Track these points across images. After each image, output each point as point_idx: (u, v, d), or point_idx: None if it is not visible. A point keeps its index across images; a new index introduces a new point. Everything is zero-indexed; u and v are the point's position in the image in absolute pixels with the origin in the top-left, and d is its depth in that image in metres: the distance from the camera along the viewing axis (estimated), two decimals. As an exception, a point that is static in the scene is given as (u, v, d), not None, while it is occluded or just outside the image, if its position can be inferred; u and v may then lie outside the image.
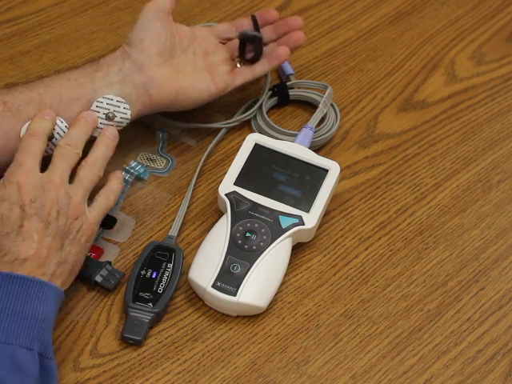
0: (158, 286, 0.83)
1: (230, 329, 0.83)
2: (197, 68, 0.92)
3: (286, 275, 0.86)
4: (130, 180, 0.92)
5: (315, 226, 0.86)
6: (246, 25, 0.97)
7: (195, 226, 0.90)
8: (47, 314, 0.75)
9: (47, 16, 1.06)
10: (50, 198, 0.79)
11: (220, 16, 1.08)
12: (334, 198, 0.92)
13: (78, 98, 0.86)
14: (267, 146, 0.91)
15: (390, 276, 0.88)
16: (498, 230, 0.92)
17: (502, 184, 0.96)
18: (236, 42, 0.96)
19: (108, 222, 0.89)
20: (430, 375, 0.82)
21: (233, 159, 0.90)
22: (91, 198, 0.83)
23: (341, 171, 0.89)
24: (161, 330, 0.83)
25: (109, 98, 0.87)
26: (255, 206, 0.86)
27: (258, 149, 0.91)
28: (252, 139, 0.91)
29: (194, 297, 0.85)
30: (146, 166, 0.94)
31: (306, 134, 0.94)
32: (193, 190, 0.92)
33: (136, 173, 0.93)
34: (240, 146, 0.91)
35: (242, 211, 0.86)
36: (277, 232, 0.85)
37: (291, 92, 1.00)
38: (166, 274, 0.84)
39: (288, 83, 1.01)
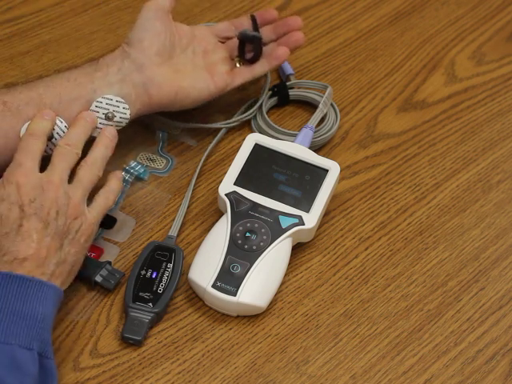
0: (158, 286, 0.83)
1: (230, 329, 0.83)
2: (196, 67, 0.92)
3: (286, 275, 0.86)
4: (130, 180, 0.92)
5: (315, 226, 0.86)
6: (245, 24, 0.97)
7: (195, 226, 0.90)
8: (46, 313, 0.75)
9: (47, 16, 1.06)
10: (49, 198, 0.79)
11: (220, 16, 1.08)
12: (334, 198, 0.92)
13: (78, 98, 0.86)
14: (267, 146, 0.91)
15: (390, 276, 0.88)
16: (497, 230, 0.92)
17: (501, 184, 0.96)
18: (235, 41, 0.96)
19: (108, 221, 0.89)
20: (430, 375, 0.82)
21: (233, 159, 0.90)
22: (91, 197, 0.83)
23: (341, 171, 0.89)
24: (161, 330, 0.83)
25: (108, 98, 0.87)
26: (255, 205, 0.86)
27: (258, 149, 0.91)
28: (252, 139, 0.91)
29: (194, 297, 0.85)
30: (146, 165, 0.94)
31: (306, 134, 0.94)
32: (193, 190, 0.92)
33: (136, 173, 0.93)
34: (240, 145, 0.91)
35: (241, 211, 0.86)
36: (277, 232, 0.85)
37: (291, 92, 1.00)
38: (166, 273, 0.84)
39: (288, 83, 1.01)
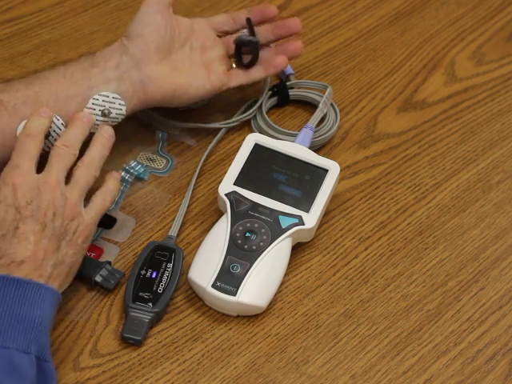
0: (157, 286, 0.83)
1: (230, 329, 0.83)
2: (194, 64, 0.92)
3: (285, 275, 0.86)
4: (130, 180, 0.92)
5: (315, 226, 0.86)
6: (243, 18, 0.95)
7: (195, 226, 0.90)
8: (44, 316, 0.75)
9: (47, 16, 1.06)
10: (46, 200, 0.78)
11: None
12: (334, 198, 0.92)
13: (75, 96, 0.86)
14: (267, 145, 0.91)
15: (389, 276, 0.88)
16: (497, 230, 0.92)
17: (501, 184, 0.96)
18: (233, 37, 0.95)
19: (108, 221, 0.89)
20: (430, 375, 0.82)
21: (233, 159, 0.90)
22: (88, 198, 0.83)
23: (341, 171, 0.89)
24: (160, 330, 0.83)
25: (105, 95, 0.86)
26: (255, 205, 0.86)
27: (257, 149, 0.91)
28: (252, 139, 0.91)
29: (194, 297, 0.85)
30: (146, 165, 0.94)
31: (306, 133, 0.94)
32: (193, 190, 0.92)
33: (136, 173, 0.93)
34: (240, 145, 0.91)
35: (241, 211, 0.86)
36: (277, 232, 0.85)
37: (291, 92, 1.00)
38: (166, 273, 0.84)
39: (288, 83, 1.01)
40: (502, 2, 1.15)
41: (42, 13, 1.07)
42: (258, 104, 0.98)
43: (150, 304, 0.82)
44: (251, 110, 0.98)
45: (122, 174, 0.92)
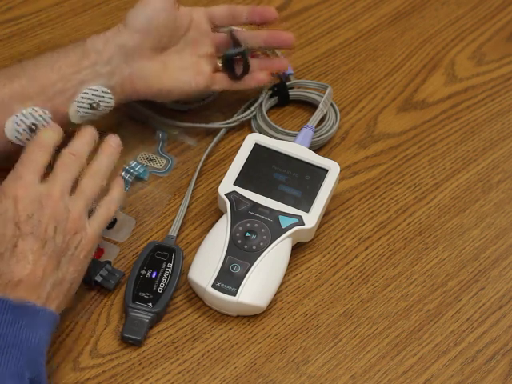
0: (157, 286, 0.83)
1: (230, 329, 0.83)
2: (183, 62, 0.91)
3: (285, 275, 0.86)
4: (130, 180, 0.92)
5: (315, 226, 0.86)
6: (244, 14, 0.95)
7: (195, 226, 0.90)
8: (41, 339, 0.73)
9: (47, 16, 1.06)
10: (48, 214, 0.76)
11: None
12: (334, 197, 0.92)
13: (64, 91, 0.85)
14: (267, 145, 0.91)
15: (389, 276, 0.88)
16: (497, 230, 0.92)
17: (501, 184, 0.96)
18: (223, 35, 0.95)
19: (108, 221, 0.89)
20: (430, 375, 0.82)
21: (233, 159, 0.90)
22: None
23: (341, 171, 0.89)
24: (160, 330, 0.83)
25: (94, 89, 0.86)
26: (255, 205, 0.86)
27: (258, 149, 0.91)
28: (252, 139, 0.91)
29: (194, 297, 0.85)
30: (146, 165, 0.94)
31: (306, 133, 0.94)
32: (193, 190, 0.92)
33: (136, 173, 0.93)
34: (240, 146, 0.91)
35: (241, 211, 0.86)
36: (277, 232, 0.85)
37: (291, 92, 1.00)
38: (166, 273, 0.84)
39: (288, 83, 1.01)
40: (502, 2, 1.15)
41: (42, 13, 1.07)
42: (257, 103, 0.98)
43: (150, 304, 0.82)
44: (251, 109, 0.98)
45: (122, 173, 0.92)
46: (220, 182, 0.88)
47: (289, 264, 0.86)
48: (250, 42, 0.95)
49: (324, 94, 0.98)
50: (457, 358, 0.83)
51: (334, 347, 0.83)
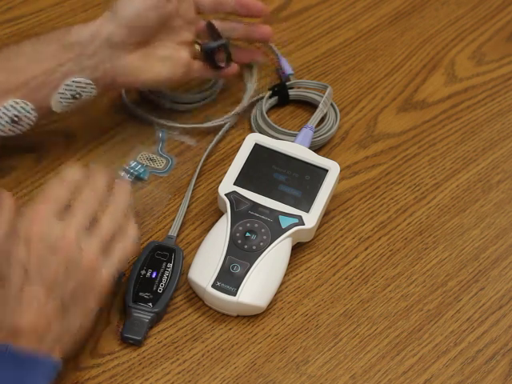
0: (157, 286, 0.83)
1: (230, 329, 0.83)
2: (164, 52, 0.90)
3: (285, 275, 0.86)
4: (130, 180, 0.92)
5: (315, 226, 0.86)
6: (230, 3, 0.94)
7: (195, 226, 0.90)
8: None
9: (47, 16, 1.06)
10: (60, 259, 0.71)
11: (220, 15, 1.08)
12: (334, 197, 0.92)
13: (47, 84, 0.84)
14: (267, 145, 0.91)
15: (389, 276, 0.88)
16: (497, 230, 0.92)
17: (501, 184, 0.96)
18: (203, 24, 0.94)
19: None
20: (430, 375, 0.82)
21: (233, 159, 0.90)
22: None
23: (341, 171, 0.89)
24: (160, 330, 0.83)
25: (77, 81, 0.86)
26: (255, 205, 0.86)
27: (258, 149, 0.91)
28: (252, 139, 0.91)
29: (194, 297, 0.85)
30: (146, 165, 0.94)
31: (306, 133, 0.94)
32: (193, 190, 0.92)
33: (136, 173, 0.93)
34: (240, 145, 0.91)
35: (241, 211, 0.86)
36: (277, 232, 0.85)
37: (291, 92, 1.00)
38: (166, 273, 0.84)
39: (288, 83, 1.01)
40: (502, 2, 1.15)
41: (42, 13, 1.07)
42: (248, 95, 0.98)
43: (150, 304, 0.82)
44: (249, 102, 0.98)
45: (122, 173, 0.92)
46: (220, 182, 0.88)
47: (289, 264, 0.86)
48: (228, 34, 0.95)
49: (324, 94, 0.98)
50: (457, 357, 0.83)
51: (334, 347, 0.83)
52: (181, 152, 0.96)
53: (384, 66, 1.06)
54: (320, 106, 0.97)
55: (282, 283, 0.86)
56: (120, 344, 0.81)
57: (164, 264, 0.85)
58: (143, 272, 0.84)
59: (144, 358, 0.81)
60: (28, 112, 0.84)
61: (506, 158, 0.98)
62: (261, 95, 1.00)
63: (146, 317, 0.81)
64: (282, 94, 1.00)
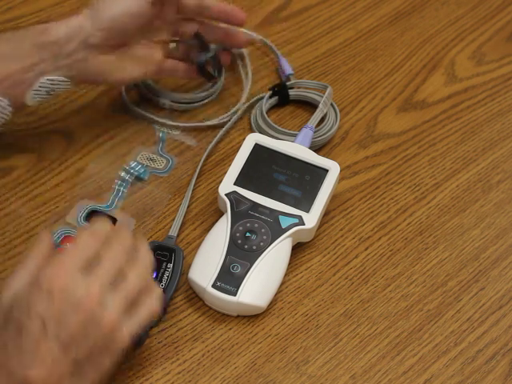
0: (157, 286, 0.83)
1: (230, 329, 0.83)
2: (138, 51, 0.91)
3: (285, 275, 0.86)
4: (130, 180, 0.92)
5: (315, 226, 0.86)
6: (212, 8, 0.94)
7: (195, 226, 0.90)
8: None
9: (47, 16, 1.06)
10: (81, 319, 0.68)
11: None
12: (334, 197, 0.92)
13: (23, 82, 0.84)
14: (267, 145, 0.91)
15: (389, 276, 0.88)
16: (497, 230, 0.92)
17: (501, 184, 0.96)
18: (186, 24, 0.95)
19: (108, 221, 0.89)
20: (430, 375, 0.82)
21: (233, 159, 0.90)
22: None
23: (341, 171, 0.89)
24: (160, 330, 0.83)
25: (52, 79, 0.86)
26: (255, 205, 0.86)
27: (258, 149, 0.91)
28: (252, 139, 0.91)
29: (194, 297, 0.85)
30: (146, 165, 0.94)
31: (306, 133, 0.94)
32: (193, 190, 0.92)
33: (136, 173, 0.93)
34: (240, 145, 0.91)
35: (241, 211, 0.86)
36: (277, 232, 0.85)
37: (291, 92, 1.00)
38: (166, 274, 0.84)
39: (288, 83, 1.01)
40: (502, 2, 1.15)
41: (42, 13, 1.07)
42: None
43: (150, 304, 0.82)
44: (241, 102, 0.98)
45: (122, 174, 0.92)
46: (220, 182, 0.88)
47: (289, 264, 0.86)
48: (209, 37, 0.96)
49: (324, 94, 0.98)
50: (457, 357, 0.83)
51: (334, 347, 0.83)
52: (181, 152, 0.96)
53: (384, 66, 1.06)
54: (320, 105, 0.97)
55: (282, 283, 0.86)
56: (120, 344, 0.81)
57: (164, 264, 0.85)
58: (143, 272, 0.84)
59: (144, 358, 0.81)
60: (4, 108, 0.84)
61: (506, 158, 0.99)
62: (261, 95, 1.00)
63: (146, 317, 0.81)
64: (282, 94, 1.00)
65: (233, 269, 0.83)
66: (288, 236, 0.85)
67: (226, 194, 0.87)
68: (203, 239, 0.86)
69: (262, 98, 1.00)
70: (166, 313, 0.83)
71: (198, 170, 0.93)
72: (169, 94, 0.99)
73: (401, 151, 0.98)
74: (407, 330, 0.85)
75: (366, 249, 0.90)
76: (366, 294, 0.87)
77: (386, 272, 0.88)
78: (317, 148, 0.96)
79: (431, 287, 0.88)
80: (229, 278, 0.83)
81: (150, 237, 0.89)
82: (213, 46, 0.97)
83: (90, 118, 0.97)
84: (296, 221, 0.86)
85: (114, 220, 0.89)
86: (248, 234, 0.85)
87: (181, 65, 0.96)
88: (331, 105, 0.99)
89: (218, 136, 0.96)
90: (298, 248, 0.88)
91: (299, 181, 0.89)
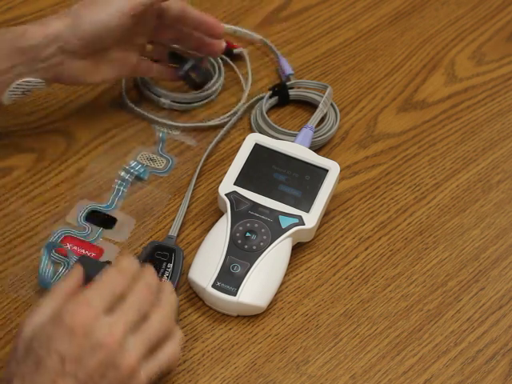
0: (157, 286, 0.83)
1: (230, 329, 0.83)
2: (114, 55, 0.91)
3: (286, 275, 0.86)
4: (130, 180, 0.92)
5: (315, 226, 0.86)
6: (193, 20, 0.94)
7: (195, 226, 0.90)
8: None
9: (47, 16, 1.06)
10: (100, 359, 0.67)
11: (220, 16, 1.08)
12: (334, 197, 0.92)
13: None
14: (267, 145, 0.91)
15: (389, 276, 0.88)
16: (497, 230, 0.92)
17: (501, 184, 0.96)
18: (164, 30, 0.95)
19: (108, 221, 0.89)
20: (430, 375, 0.82)
21: (233, 159, 0.90)
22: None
23: (341, 171, 0.89)
24: (161, 330, 0.83)
25: (28, 81, 0.86)
26: (255, 205, 0.86)
27: (258, 149, 0.91)
28: (252, 139, 0.91)
29: (194, 297, 0.85)
30: (146, 165, 0.94)
31: (306, 133, 0.94)
32: (193, 190, 0.92)
33: (136, 173, 0.93)
34: (240, 146, 0.91)
35: (241, 211, 0.86)
36: (277, 232, 0.85)
37: (291, 92, 1.00)
38: (166, 274, 0.84)
39: (288, 83, 1.01)
40: (502, 2, 1.15)
41: (42, 13, 1.06)
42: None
43: (150, 304, 0.82)
44: (241, 102, 0.98)
45: (122, 173, 0.92)
46: (220, 182, 0.88)
47: (289, 264, 0.86)
48: (185, 45, 0.97)
49: (324, 94, 0.98)
50: (457, 358, 0.83)
51: (335, 347, 0.83)
52: (181, 152, 0.96)
53: (384, 66, 1.06)
54: (320, 106, 0.97)
55: (282, 283, 0.86)
56: (120, 344, 0.81)
57: (164, 264, 0.85)
58: (143, 272, 0.84)
59: (144, 358, 0.81)
60: None
61: (506, 158, 0.99)
62: (261, 95, 1.00)
63: (146, 317, 0.81)
64: (282, 94, 1.00)
65: (233, 269, 0.83)
66: (288, 236, 0.85)
67: (226, 194, 0.87)
68: (203, 239, 0.86)
69: (261, 97, 1.00)
70: None
71: (198, 170, 0.93)
72: (169, 94, 0.99)
73: (401, 151, 0.98)
74: (407, 329, 0.85)
75: (366, 249, 0.90)
76: (366, 293, 0.87)
77: (386, 272, 0.88)
78: (317, 148, 0.96)
79: (431, 287, 0.88)
80: (229, 278, 0.83)
81: (150, 237, 0.89)
82: (190, 59, 0.99)
83: (90, 118, 0.97)
84: (296, 221, 0.86)
85: (113, 220, 0.89)
86: (248, 234, 0.85)
87: (155, 66, 0.97)
88: (331, 105, 0.99)
89: (218, 136, 0.96)
90: (297, 248, 0.88)
91: (299, 181, 0.89)
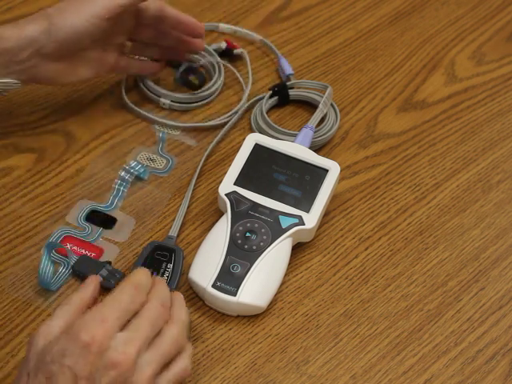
0: (158, 286, 0.83)
1: (230, 329, 0.83)
2: (92, 55, 0.91)
3: (286, 275, 0.86)
4: (130, 180, 0.92)
5: (315, 226, 0.86)
6: (171, 19, 0.94)
7: (195, 226, 0.90)
8: None
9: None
10: (113, 375, 0.66)
11: (220, 16, 1.08)
12: (334, 197, 0.92)
13: None
14: (267, 145, 0.91)
15: (389, 276, 0.88)
16: (497, 230, 0.92)
17: (501, 184, 0.96)
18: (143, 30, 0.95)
19: (108, 221, 0.89)
20: (430, 375, 0.82)
21: (233, 159, 0.90)
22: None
23: (341, 171, 0.89)
24: (161, 330, 0.83)
25: (3, 82, 0.87)
26: (255, 205, 0.86)
27: (258, 149, 0.91)
28: (252, 139, 0.91)
29: (194, 297, 0.85)
30: (146, 165, 0.94)
31: (306, 133, 0.94)
32: (193, 190, 0.92)
33: (136, 173, 0.93)
34: (240, 146, 0.91)
35: (241, 211, 0.86)
36: (277, 232, 0.85)
37: (291, 92, 1.00)
38: (166, 274, 0.84)
39: (288, 83, 1.01)
40: (502, 2, 1.15)
41: (42, 13, 1.06)
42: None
43: (150, 304, 0.82)
44: (241, 102, 0.98)
45: (122, 173, 0.92)
46: (220, 182, 0.88)
47: (289, 264, 0.86)
48: (163, 43, 0.97)
49: (324, 94, 0.98)
50: (457, 358, 0.83)
51: (335, 347, 0.83)
52: (181, 152, 0.96)
53: (384, 66, 1.06)
54: (320, 106, 0.97)
55: (283, 283, 0.86)
56: (120, 344, 0.81)
57: (164, 264, 0.85)
58: (143, 272, 0.84)
59: (144, 358, 0.81)
60: None
61: (506, 158, 0.99)
62: (261, 95, 1.00)
63: (147, 317, 0.81)
64: (282, 94, 1.00)
65: (233, 269, 0.83)
66: (288, 236, 0.85)
67: (226, 194, 0.87)
68: (203, 239, 0.86)
69: (262, 98, 1.00)
70: None
71: (198, 170, 0.93)
72: (169, 94, 0.99)
73: (401, 151, 0.98)
74: (407, 329, 0.84)
75: (366, 249, 0.90)
76: (366, 293, 0.87)
77: (386, 272, 0.88)
78: (317, 148, 0.96)
79: (431, 287, 0.88)
80: (229, 278, 0.83)
81: (150, 237, 0.89)
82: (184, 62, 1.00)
83: (90, 118, 0.97)
84: (296, 221, 0.86)
85: (113, 220, 0.89)
86: (248, 234, 0.85)
87: (136, 62, 0.97)
88: (331, 105, 0.99)
89: (218, 136, 0.96)
90: (297, 248, 0.88)
91: (299, 181, 0.89)
